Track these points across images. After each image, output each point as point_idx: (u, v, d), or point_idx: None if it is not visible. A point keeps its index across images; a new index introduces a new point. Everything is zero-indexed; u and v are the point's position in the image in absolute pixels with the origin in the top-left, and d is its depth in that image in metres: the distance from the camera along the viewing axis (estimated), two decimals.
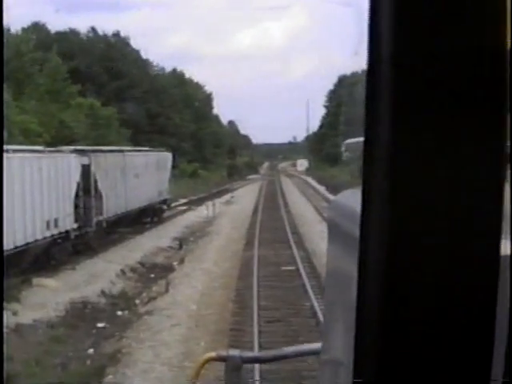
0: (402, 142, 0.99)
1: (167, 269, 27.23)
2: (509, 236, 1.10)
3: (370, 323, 1.04)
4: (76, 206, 26.22)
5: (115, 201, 30.47)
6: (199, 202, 50.29)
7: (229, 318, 16.71)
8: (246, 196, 57.09)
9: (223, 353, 3.25)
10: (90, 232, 27.56)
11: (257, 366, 11.41)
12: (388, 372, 1.02)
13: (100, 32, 76.52)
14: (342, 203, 1.81)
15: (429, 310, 1.01)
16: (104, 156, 29.64)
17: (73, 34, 75.70)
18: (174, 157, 41.78)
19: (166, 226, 37.39)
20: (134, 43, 79.64)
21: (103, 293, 22.98)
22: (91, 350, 16.91)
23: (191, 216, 42.03)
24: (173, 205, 45.52)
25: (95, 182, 28.22)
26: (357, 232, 1.05)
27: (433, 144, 0.98)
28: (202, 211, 42.96)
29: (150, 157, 37.20)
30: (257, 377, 11.79)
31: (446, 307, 1.01)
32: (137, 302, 22.55)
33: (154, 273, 27.15)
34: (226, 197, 56.23)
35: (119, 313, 20.95)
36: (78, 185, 26.47)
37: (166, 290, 22.10)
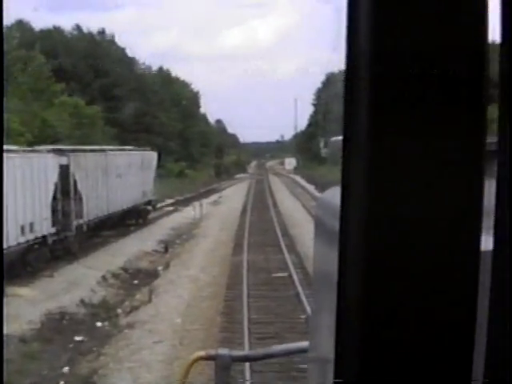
0: (380, 140, 0.98)
1: (151, 275, 25.53)
2: (491, 232, 1.08)
3: (350, 321, 1.02)
4: (54, 210, 24.39)
5: (96, 203, 28.58)
6: (186, 202, 48.54)
7: (217, 335, 14.97)
8: (234, 196, 55.23)
9: (212, 352, 3.24)
10: (70, 236, 25.71)
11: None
12: (368, 371, 1.01)
13: (85, 30, 74.76)
14: (329, 201, 1.79)
15: (408, 309, 0.99)
16: (84, 156, 27.75)
17: (57, 31, 74.03)
18: (159, 156, 39.81)
19: (151, 228, 35.57)
20: (120, 41, 78.01)
21: (83, 302, 21.27)
22: (66, 369, 15.23)
23: (178, 217, 40.21)
24: (159, 205, 43.79)
25: (74, 183, 26.34)
26: None
27: (411, 141, 0.98)
28: (189, 212, 41.16)
29: (134, 156, 35.14)
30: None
31: (426, 306, 0.99)
32: (118, 311, 20.86)
33: (138, 279, 25.47)
34: (214, 197, 54.38)
35: (99, 324, 19.26)
36: (56, 186, 24.62)
37: (149, 300, 20.38)
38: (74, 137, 51.39)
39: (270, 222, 34.92)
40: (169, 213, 42.57)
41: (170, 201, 49.31)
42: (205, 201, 49.42)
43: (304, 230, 29.74)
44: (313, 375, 1.90)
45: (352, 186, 1.01)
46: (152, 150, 40.38)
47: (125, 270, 26.43)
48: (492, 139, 1.03)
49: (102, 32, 75.61)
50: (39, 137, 43.49)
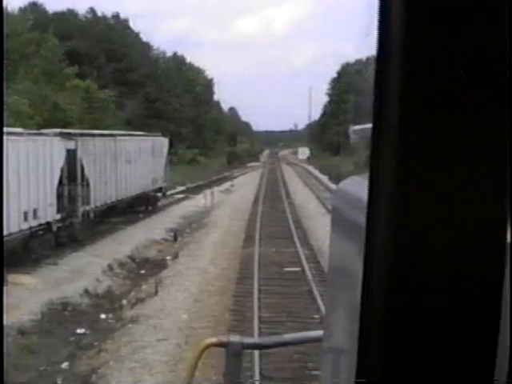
0: (410, 129, 0.97)
1: (159, 265, 24.66)
2: None
3: (374, 319, 1.01)
4: (59, 195, 23.44)
5: (104, 189, 27.59)
6: (197, 189, 47.62)
7: (225, 334, 14.01)
8: (246, 184, 54.19)
9: (224, 338, 3.19)
10: (76, 223, 24.79)
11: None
12: (391, 370, 1.00)
13: (99, 13, 73.80)
14: (347, 190, 1.75)
15: (434, 304, 0.98)
16: (92, 140, 26.74)
17: (71, 14, 73.17)
18: (170, 142, 38.70)
19: (160, 215, 34.65)
20: (134, 26, 77.10)
21: (87, 292, 20.40)
22: (65, 364, 14.36)
23: (188, 205, 39.30)
24: (169, 193, 42.92)
25: (82, 168, 25.36)
26: (362, 220, 1.03)
27: (441, 131, 0.97)
28: (200, 200, 40.21)
29: (145, 142, 34.01)
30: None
31: (451, 301, 0.98)
32: (123, 302, 20.01)
33: (145, 269, 24.62)
34: (226, 185, 53.37)
35: (102, 316, 18.39)
36: (62, 171, 23.65)
37: (156, 292, 19.48)
38: (86, 121, 50.80)
39: (283, 212, 33.88)
40: (179, 200, 41.67)
41: (181, 188, 48.45)
42: (216, 189, 48.51)
43: (317, 222, 28.76)
44: (327, 365, 1.86)
45: (381, 177, 0.98)
46: (163, 135, 39.40)
47: (132, 258, 25.57)
48: None
49: (116, 16, 74.62)
50: (49, 120, 42.81)
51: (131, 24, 75.23)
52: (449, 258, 0.97)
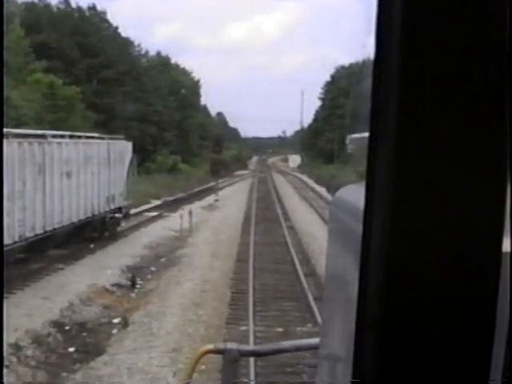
0: (408, 137, 0.94)
1: (97, 342, 15.03)
2: (509, 233, 1.03)
3: (371, 321, 0.99)
4: None
5: (22, 217, 17.52)
6: (175, 205, 37.81)
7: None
8: (233, 199, 44.11)
9: (221, 345, 3.15)
10: None
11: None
12: (387, 372, 0.98)
13: (73, 4, 64.15)
14: (344, 199, 1.66)
15: (429, 309, 0.97)
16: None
17: (42, 4, 63.77)
18: (134, 146, 27.81)
19: (119, 245, 24.70)
20: (112, 19, 67.59)
21: None
22: None
23: (160, 228, 29.31)
24: (140, 209, 33.16)
25: None
26: (359, 229, 1.01)
27: (439, 139, 0.94)
28: (175, 220, 30.32)
29: (96, 147, 23.15)
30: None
31: (447, 306, 0.97)
32: None
33: (76, 344, 15.07)
34: (209, 198, 43.36)
35: None
36: None
37: None
38: (46, 121, 41.56)
39: (284, 245, 23.91)
40: (150, 220, 31.62)
41: (156, 202, 38.72)
42: (198, 204, 38.88)
43: None
44: (323, 372, 1.76)
45: (378, 186, 0.95)
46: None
47: (59, 325, 15.90)
48: None
49: (92, 8, 64.91)
50: None
51: (109, 17, 65.56)
52: (445, 267, 0.93)
